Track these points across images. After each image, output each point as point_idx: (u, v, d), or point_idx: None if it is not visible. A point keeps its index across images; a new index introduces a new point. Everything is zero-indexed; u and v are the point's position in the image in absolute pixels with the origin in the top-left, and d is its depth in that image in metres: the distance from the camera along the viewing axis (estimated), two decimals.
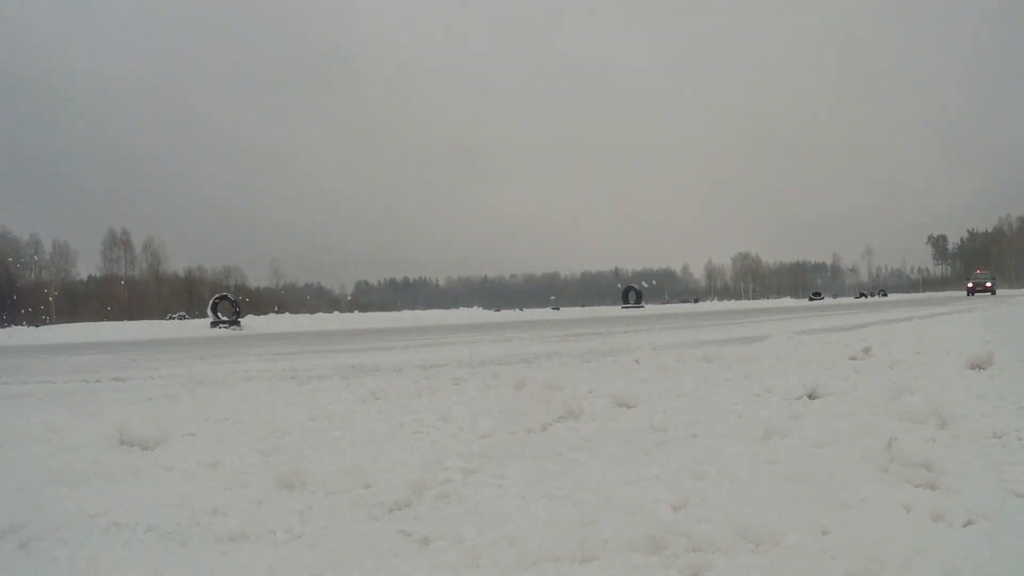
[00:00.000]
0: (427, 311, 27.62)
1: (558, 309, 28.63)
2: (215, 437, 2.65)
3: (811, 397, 3.19)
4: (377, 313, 25.38)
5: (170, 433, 2.64)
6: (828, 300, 48.69)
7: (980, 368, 3.72)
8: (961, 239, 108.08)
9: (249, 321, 17.67)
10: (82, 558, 1.51)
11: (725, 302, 48.25)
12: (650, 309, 27.98)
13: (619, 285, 29.42)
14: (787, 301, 51.48)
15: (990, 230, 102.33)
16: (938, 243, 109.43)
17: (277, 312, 24.54)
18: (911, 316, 12.10)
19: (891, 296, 59.85)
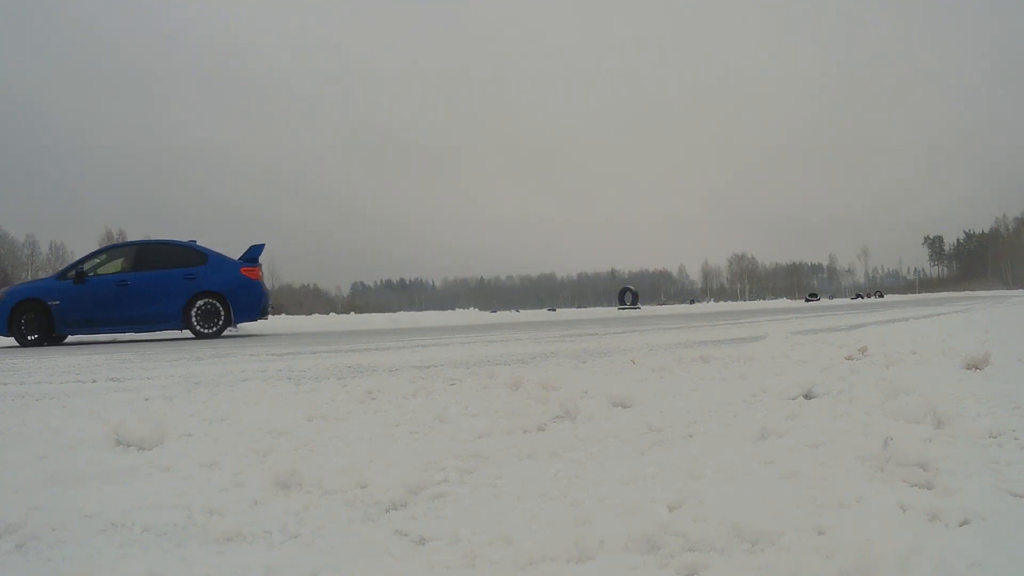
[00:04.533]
0: (423, 312, 27.69)
1: (554, 310, 28.62)
2: (212, 437, 2.65)
3: (807, 397, 3.19)
4: (373, 314, 25.37)
5: (167, 433, 2.63)
6: (825, 301, 48.74)
7: (976, 368, 3.73)
8: (957, 240, 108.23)
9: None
10: (79, 558, 1.51)
11: (721, 303, 48.21)
12: (646, 310, 27.99)
13: (628, 287, 29.32)
14: (783, 302, 51.58)
15: (987, 231, 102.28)
16: (934, 244, 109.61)
17: (273, 313, 24.49)
18: (907, 316, 12.12)
19: (887, 297, 59.96)
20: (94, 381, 5.06)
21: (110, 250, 12.73)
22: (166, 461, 2.30)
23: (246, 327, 16.19)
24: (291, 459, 2.25)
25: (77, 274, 11.81)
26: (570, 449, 2.44)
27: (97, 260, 12.18)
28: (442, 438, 2.60)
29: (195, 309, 11.86)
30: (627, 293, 29.37)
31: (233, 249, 12.99)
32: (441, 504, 1.87)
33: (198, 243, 12.77)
